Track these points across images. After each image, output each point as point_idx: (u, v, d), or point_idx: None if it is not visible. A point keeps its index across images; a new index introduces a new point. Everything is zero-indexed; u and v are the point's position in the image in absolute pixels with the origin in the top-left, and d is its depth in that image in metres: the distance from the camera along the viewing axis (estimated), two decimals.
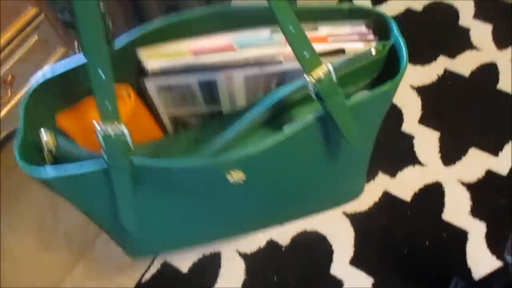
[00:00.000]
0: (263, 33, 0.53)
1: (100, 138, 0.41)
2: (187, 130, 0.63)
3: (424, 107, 0.90)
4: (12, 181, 0.88)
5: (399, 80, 0.50)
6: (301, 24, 0.42)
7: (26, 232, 0.83)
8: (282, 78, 0.55)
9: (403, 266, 0.75)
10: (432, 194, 0.81)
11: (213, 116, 0.62)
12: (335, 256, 0.76)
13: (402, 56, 0.50)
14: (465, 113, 0.89)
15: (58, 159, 0.47)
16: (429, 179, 0.82)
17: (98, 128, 0.40)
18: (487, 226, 0.77)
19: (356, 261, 0.76)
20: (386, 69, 0.55)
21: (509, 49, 0.96)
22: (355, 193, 0.76)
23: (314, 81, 0.43)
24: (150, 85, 0.54)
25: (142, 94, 0.56)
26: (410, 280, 0.74)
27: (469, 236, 0.76)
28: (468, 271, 0.74)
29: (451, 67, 0.95)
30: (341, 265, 0.75)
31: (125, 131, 0.41)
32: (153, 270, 0.76)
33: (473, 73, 0.94)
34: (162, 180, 0.49)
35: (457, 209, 0.79)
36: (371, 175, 0.82)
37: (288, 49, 0.52)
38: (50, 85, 0.48)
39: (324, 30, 0.54)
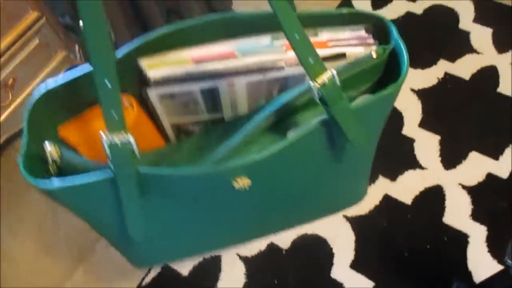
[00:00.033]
0: (264, 39, 0.53)
1: (106, 148, 0.41)
2: (190, 138, 0.63)
3: (424, 110, 0.90)
4: (13, 184, 0.88)
5: (401, 83, 0.50)
6: None
7: (27, 235, 0.83)
8: (284, 83, 0.55)
9: (403, 269, 0.75)
10: (433, 198, 0.81)
11: (215, 123, 0.62)
12: (335, 259, 0.76)
13: (403, 59, 0.51)
14: (465, 117, 0.89)
15: (63, 170, 0.47)
16: (429, 182, 0.82)
17: (104, 137, 0.40)
18: (488, 230, 0.77)
19: (356, 265, 0.75)
20: (387, 73, 0.55)
21: (509, 53, 0.96)
22: (359, 197, 0.77)
23: (318, 86, 0.43)
24: (152, 94, 0.54)
25: (144, 103, 0.57)
26: (411, 284, 0.74)
27: (470, 240, 0.76)
28: (468, 275, 0.73)
29: (452, 71, 0.95)
30: (341, 269, 0.75)
31: (132, 140, 0.41)
32: (153, 273, 0.76)
33: (473, 77, 0.94)
34: (168, 188, 0.49)
35: (458, 213, 0.79)
36: (371, 179, 0.82)
37: (289, 55, 0.53)
38: (53, 97, 0.49)
39: (325, 35, 0.54)
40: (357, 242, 0.77)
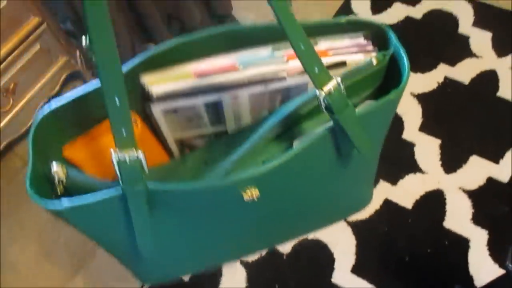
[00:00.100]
0: (265, 51, 0.54)
1: (115, 164, 0.41)
2: (194, 152, 0.63)
3: (424, 114, 0.90)
4: (13, 189, 0.88)
5: (403, 88, 0.51)
6: None
7: (27, 241, 0.83)
8: (286, 94, 0.55)
9: (404, 274, 0.75)
10: (433, 202, 0.81)
11: (218, 136, 0.62)
12: (336, 264, 0.76)
13: (404, 64, 0.51)
14: (465, 121, 0.89)
15: (69, 189, 0.48)
16: (430, 186, 0.82)
17: (114, 154, 0.40)
18: (489, 234, 0.77)
19: (357, 269, 0.75)
20: (387, 78, 0.56)
21: (508, 57, 0.97)
22: (365, 202, 0.77)
23: (324, 94, 0.44)
24: (156, 110, 0.54)
25: (147, 119, 0.57)
26: None
27: (471, 244, 0.76)
28: (470, 279, 0.73)
29: (451, 75, 0.95)
30: (342, 273, 0.75)
31: (141, 156, 0.41)
32: None
33: (473, 81, 0.94)
34: (177, 203, 0.49)
35: (459, 217, 0.79)
36: None
37: (290, 65, 0.53)
38: (57, 116, 0.49)
39: (324, 44, 0.55)
40: (358, 246, 0.77)
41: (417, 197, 0.81)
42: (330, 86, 0.44)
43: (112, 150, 0.40)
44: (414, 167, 0.84)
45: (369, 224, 0.79)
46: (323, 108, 0.45)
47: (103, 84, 0.38)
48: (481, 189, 0.81)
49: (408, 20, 1.04)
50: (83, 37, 0.39)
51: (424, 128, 0.89)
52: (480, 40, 1.00)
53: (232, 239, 0.63)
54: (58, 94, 0.92)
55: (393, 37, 0.52)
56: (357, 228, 0.79)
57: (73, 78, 0.96)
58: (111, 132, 0.40)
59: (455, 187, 0.82)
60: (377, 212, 0.80)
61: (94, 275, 0.78)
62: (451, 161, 0.85)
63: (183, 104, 0.54)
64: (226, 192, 0.48)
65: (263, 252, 0.78)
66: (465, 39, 1.00)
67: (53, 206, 0.44)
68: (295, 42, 0.42)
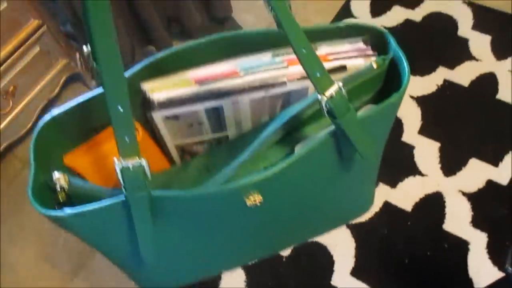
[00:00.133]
0: (265, 57, 0.54)
1: (119, 172, 0.41)
2: (195, 158, 0.64)
3: (424, 117, 0.90)
4: (12, 191, 0.88)
5: (403, 92, 0.51)
6: None
7: (26, 242, 0.83)
8: (287, 99, 0.56)
9: (404, 276, 0.75)
10: (433, 204, 0.81)
11: (219, 142, 0.62)
12: (336, 267, 0.76)
13: (403, 68, 0.51)
14: (465, 123, 0.89)
15: (71, 197, 0.48)
16: (429, 189, 0.82)
17: (117, 162, 0.40)
18: (488, 236, 0.77)
19: (357, 272, 0.75)
20: (386, 82, 0.56)
21: (508, 60, 0.97)
22: (366, 206, 0.77)
23: (326, 99, 0.44)
24: (157, 116, 0.54)
25: (148, 126, 0.57)
26: None
27: (470, 247, 0.76)
28: (469, 282, 0.73)
29: (451, 78, 0.95)
30: (342, 276, 0.75)
31: (144, 163, 0.41)
32: None
33: (472, 84, 0.94)
34: (179, 210, 0.49)
35: (458, 219, 0.79)
36: None
37: (290, 71, 0.53)
38: (58, 124, 0.49)
39: (324, 49, 0.55)
40: (357, 249, 0.77)
41: (417, 199, 0.81)
42: (332, 90, 0.44)
43: (115, 158, 0.40)
44: (413, 170, 0.85)
45: (369, 226, 0.79)
46: (325, 112, 0.45)
47: (107, 91, 0.38)
48: (480, 192, 0.81)
49: (407, 23, 1.04)
50: (84, 46, 0.40)
51: (424, 130, 0.89)
52: (480, 43, 1.00)
53: (235, 246, 0.63)
54: (57, 96, 0.92)
55: (392, 42, 0.52)
56: (357, 230, 0.79)
57: (73, 80, 0.96)
58: (111, 139, 0.40)
59: (454, 189, 0.82)
60: (376, 215, 0.80)
61: (94, 276, 0.78)
62: (451, 164, 0.85)
63: (184, 111, 0.54)
64: (229, 198, 0.49)
65: None
66: (464, 42, 1.00)
67: (56, 214, 0.44)
68: (297, 47, 0.42)
